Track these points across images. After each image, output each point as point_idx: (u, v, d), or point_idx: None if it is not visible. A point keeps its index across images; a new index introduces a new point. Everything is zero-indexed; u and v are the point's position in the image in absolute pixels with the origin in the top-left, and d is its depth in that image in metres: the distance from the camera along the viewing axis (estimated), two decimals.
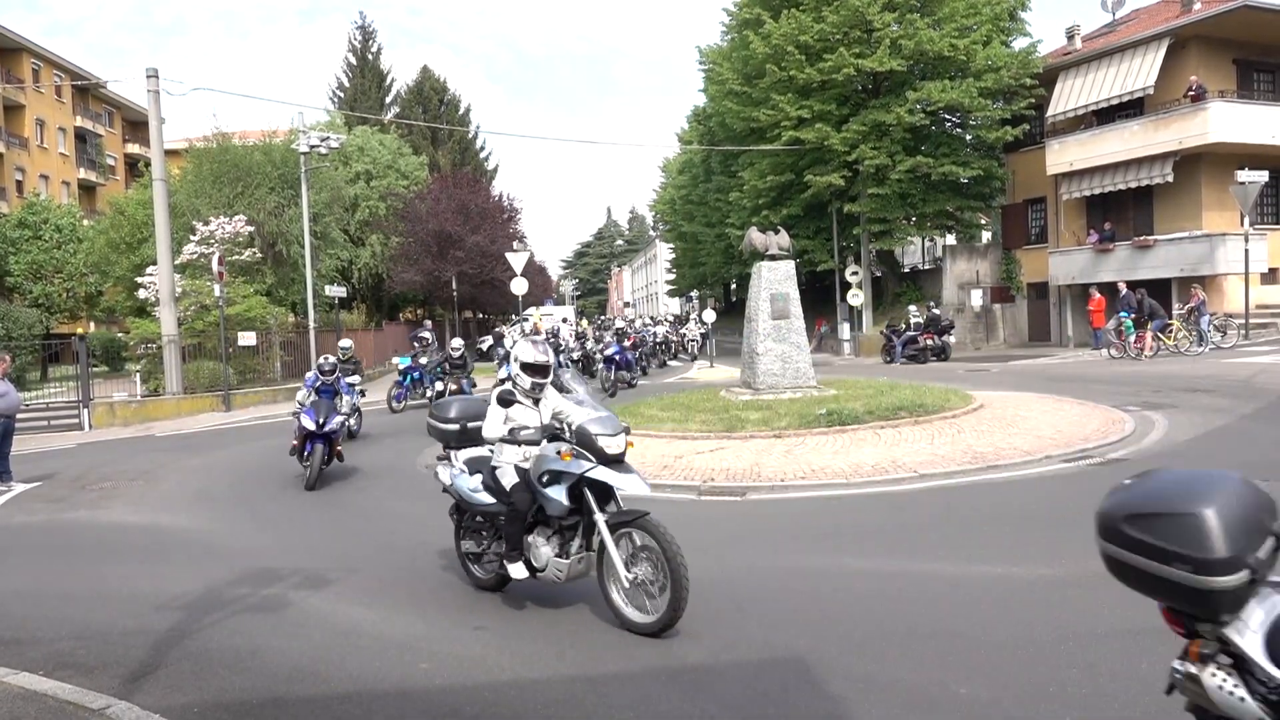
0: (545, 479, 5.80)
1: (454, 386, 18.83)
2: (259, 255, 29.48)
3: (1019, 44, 31.38)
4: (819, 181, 30.64)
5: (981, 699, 4.41)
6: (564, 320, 41.02)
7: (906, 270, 41.03)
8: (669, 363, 33.50)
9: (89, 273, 36.94)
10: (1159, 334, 22.17)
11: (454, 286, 39.78)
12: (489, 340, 33.57)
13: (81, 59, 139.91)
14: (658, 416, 13.91)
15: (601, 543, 5.63)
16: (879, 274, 35.95)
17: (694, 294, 65.11)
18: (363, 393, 17.69)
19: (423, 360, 20.79)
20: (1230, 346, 22.00)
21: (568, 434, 5.83)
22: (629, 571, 5.50)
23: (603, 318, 66.53)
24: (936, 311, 28.73)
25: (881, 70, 29.37)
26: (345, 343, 18.52)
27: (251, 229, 29.04)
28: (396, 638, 5.76)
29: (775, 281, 14.59)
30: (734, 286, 56.52)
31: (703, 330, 35.46)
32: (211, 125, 40.60)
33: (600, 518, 5.59)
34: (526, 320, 34.77)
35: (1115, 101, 26.94)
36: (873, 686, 4.63)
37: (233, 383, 23.08)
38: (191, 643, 5.83)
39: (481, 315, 56.11)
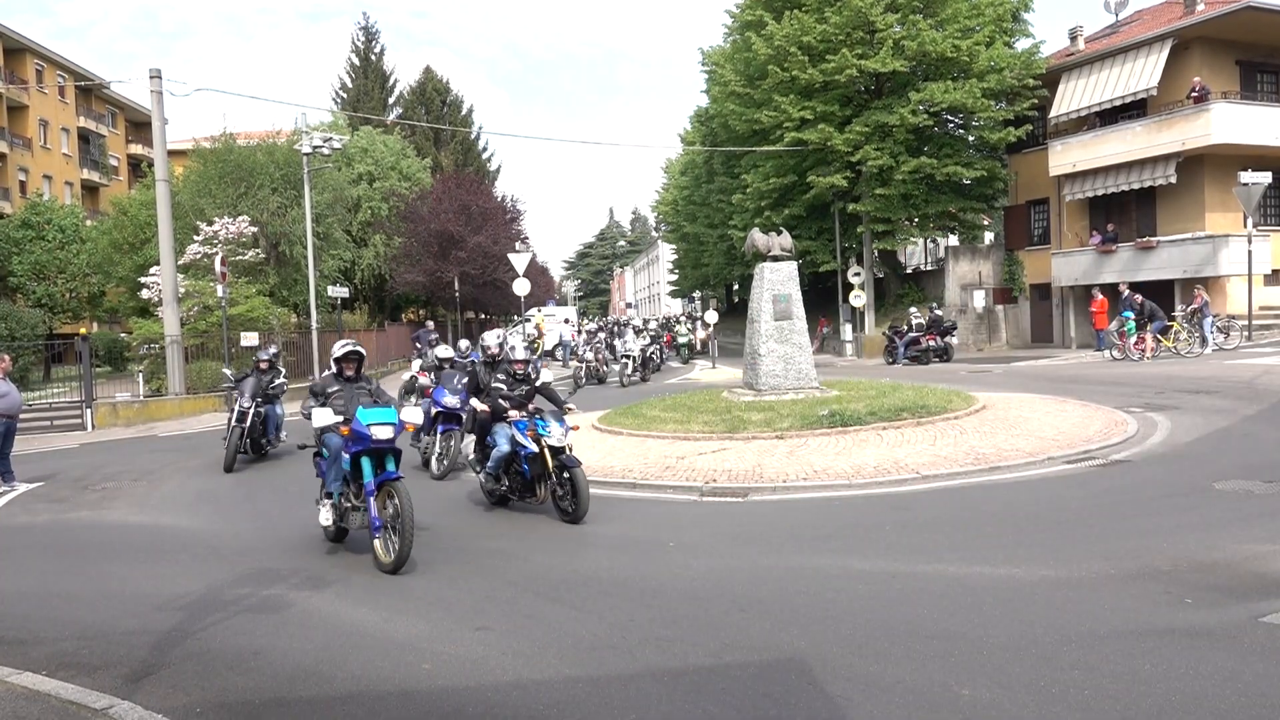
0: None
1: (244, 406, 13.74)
2: (262, 256, 29.52)
3: (1022, 45, 31.38)
4: (821, 182, 30.64)
5: (983, 700, 4.41)
6: (565, 321, 40.95)
7: (909, 271, 41.02)
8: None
9: (92, 273, 36.99)
10: (1158, 335, 22.14)
11: (456, 287, 39.78)
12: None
13: (87, 63, 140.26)
14: (660, 417, 13.91)
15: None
16: (881, 275, 35.93)
17: (696, 295, 65.11)
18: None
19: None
20: (1233, 348, 21.96)
21: None
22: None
23: (606, 319, 66.28)
24: (939, 313, 28.69)
25: (884, 71, 29.36)
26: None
27: (255, 229, 29.09)
28: (399, 638, 5.77)
29: (777, 283, 14.59)
30: (736, 287, 56.51)
31: (646, 343, 27.72)
32: (220, 126, 40.57)
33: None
34: (529, 321, 34.80)
35: (1118, 103, 26.90)
36: (875, 687, 4.63)
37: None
38: (194, 643, 5.84)
39: (484, 316, 56.11)
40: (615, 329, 37.61)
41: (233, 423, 13.58)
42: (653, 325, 45.13)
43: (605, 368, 27.00)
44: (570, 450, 8.99)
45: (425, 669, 5.21)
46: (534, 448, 8.94)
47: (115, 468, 14.46)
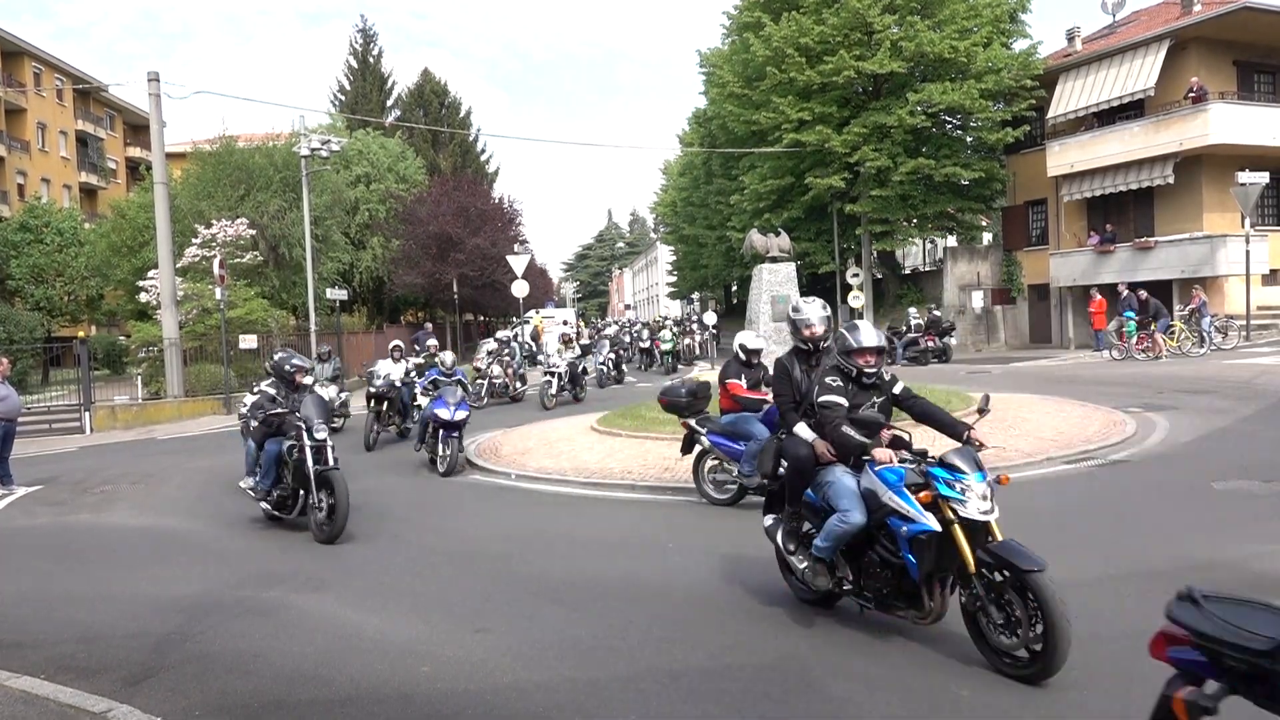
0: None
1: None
2: (261, 258, 29.52)
3: (1019, 46, 31.38)
4: (820, 184, 30.65)
5: (983, 700, 4.41)
6: (564, 323, 40.86)
7: (907, 272, 41.02)
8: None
9: (90, 276, 36.95)
10: (1163, 335, 22.14)
11: (455, 289, 39.78)
12: (491, 343, 33.33)
13: (88, 64, 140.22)
14: (659, 419, 13.87)
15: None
16: (880, 276, 35.95)
17: (695, 296, 65.11)
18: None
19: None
20: (1231, 348, 21.97)
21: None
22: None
23: (603, 321, 65.90)
24: (937, 313, 28.70)
25: (882, 72, 29.37)
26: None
27: (254, 232, 29.10)
28: (398, 641, 5.76)
29: (776, 284, 14.61)
30: (735, 289, 56.50)
31: (575, 355, 22.07)
32: (219, 129, 40.43)
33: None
34: (528, 323, 34.74)
35: (1116, 103, 26.93)
36: (874, 687, 4.63)
37: (234, 385, 23.08)
38: (193, 645, 5.84)
39: (483, 318, 56.11)
40: (526, 337, 32.52)
41: (308, 464, 8.82)
42: (611, 329, 41.73)
43: (520, 384, 22.92)
44: (996, 527, 4.86)
45: (425, 671, 5.21)
46: (929, 523, 4.79)
47: (114, 470, 14.45)
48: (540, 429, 15.32)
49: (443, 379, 13.44)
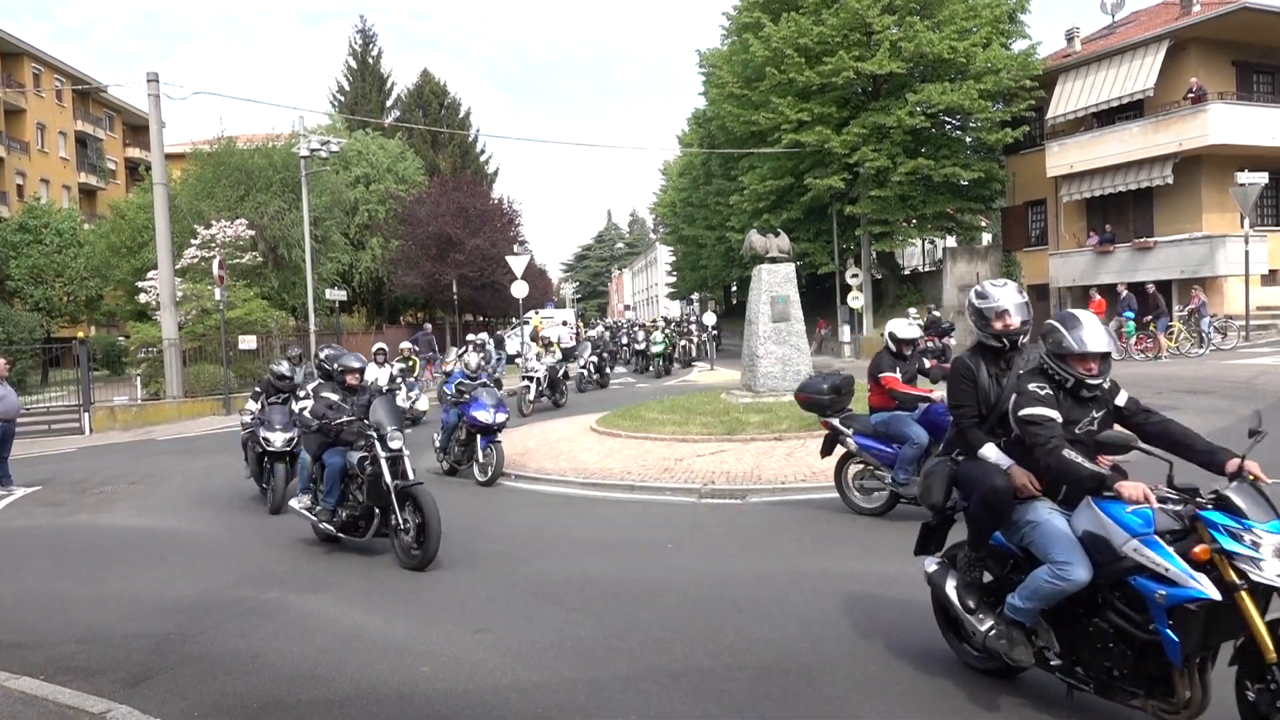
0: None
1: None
2: (260, 259, 29.53)
3: (1018, 46, 31.42)
4: (819, 184, 30.67)
5: (983, 700, 4.41)
6: (563, 323, 40.81)
7: (907, 272, 41.05)
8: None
9: (89, 277, 36.96)
10: (1163, 335, 22.14)
11: (454, 290, 39.77)
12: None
13: (88, 64, 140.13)
14: (658, 419, 13.91)
15: None
16: (879, 276, 35.96)
17: (695, 296, 65.15)
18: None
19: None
20: (1230, 348, 21.98)
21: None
22: None
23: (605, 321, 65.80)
24: (936, 314, 28.66)
25: (881, 73, 29.39)
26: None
27: (253, 233, 29.12)
28: (398, 641, 5.76)
29: (775, 284, 14.59)
30: (734, 289, 56.53)
31: (556, 360, 21.30)
32: (218, 129, 40.49)
33: None
34: (527, 324, 34.71)
35: (1115, 103, 26.94)
36: (874, 688, 4.63)
37: (233, 386, 23.11)
38: (192, 646, 5.83)
39: (482, 318, 56.12)
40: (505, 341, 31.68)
41: (385, 478, 7.59)
42: (596, 331, 41.11)
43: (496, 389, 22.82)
44: None
45: (424, 671, 5.21)
46: (1206, 589, 3.49)
47: (113, 471, 14.45)
48: (540, 430, 15.33)
49: (467, 382, 12.30)
